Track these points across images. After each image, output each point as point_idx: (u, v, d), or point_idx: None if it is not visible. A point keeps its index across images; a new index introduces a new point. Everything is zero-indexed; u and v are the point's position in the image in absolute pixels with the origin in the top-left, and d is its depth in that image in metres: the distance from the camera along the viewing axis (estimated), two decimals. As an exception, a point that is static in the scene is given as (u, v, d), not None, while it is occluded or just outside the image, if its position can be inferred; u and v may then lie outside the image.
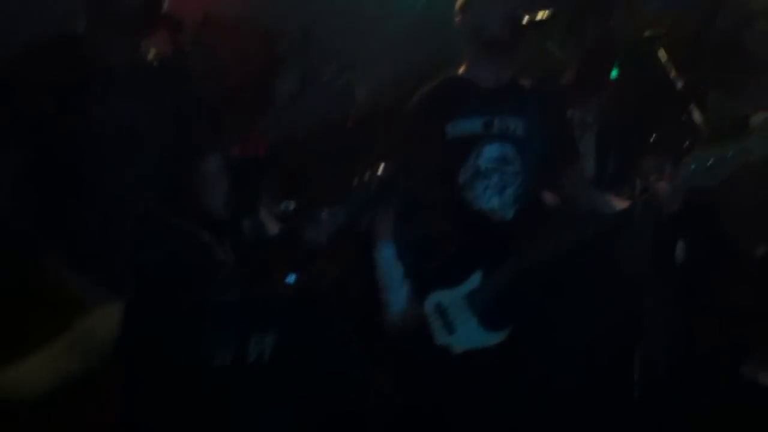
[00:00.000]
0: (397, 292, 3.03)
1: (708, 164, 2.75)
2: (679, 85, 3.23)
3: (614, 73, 3.77)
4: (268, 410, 3.12)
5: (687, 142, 3.12)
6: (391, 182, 2.56)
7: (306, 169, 3.91)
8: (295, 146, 3.94)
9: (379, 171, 2.58)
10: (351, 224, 2.63)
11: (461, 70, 3.13)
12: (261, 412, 3.03)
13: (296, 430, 3.21)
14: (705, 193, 2.87)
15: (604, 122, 3.79)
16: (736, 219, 3.52)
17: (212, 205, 2.66)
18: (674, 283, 3.52)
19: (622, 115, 3.79)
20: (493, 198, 3.00)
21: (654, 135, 3.28)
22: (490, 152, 3.01)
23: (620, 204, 2.93)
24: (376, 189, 2.56)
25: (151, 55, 2.57)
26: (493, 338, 2.95)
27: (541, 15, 2.96)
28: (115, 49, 2.47)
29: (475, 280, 2.95)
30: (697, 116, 3.16)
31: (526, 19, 2.96)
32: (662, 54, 3.30)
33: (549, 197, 3.17)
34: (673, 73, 3.25)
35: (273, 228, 2.80)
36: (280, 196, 3.58)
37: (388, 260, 3.06)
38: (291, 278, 3.05)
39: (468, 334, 2.94)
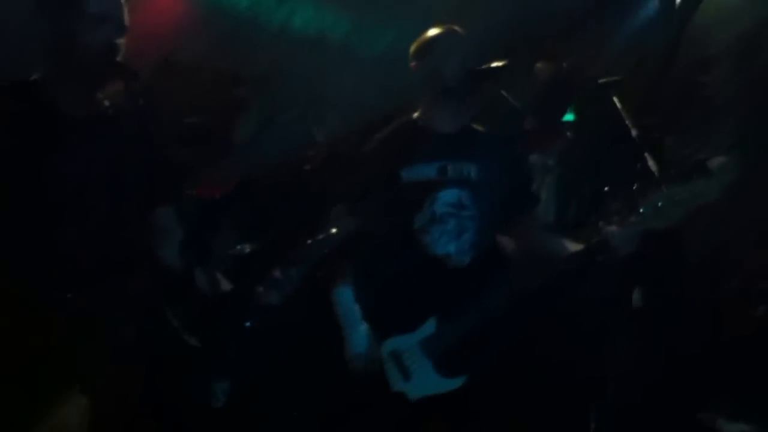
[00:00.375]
0: (356, 332, 3.00)
1: (659, 207, 2.78)
2: (635, 131, 3.25)
3: (570, 117, 3.80)
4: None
5: (641, 187, 3.14)
6: (346, 240, 2.53)
7: (264, 210, 3.90)
8: (254, 188, 3.93)
9: (334, 229, 2.56)
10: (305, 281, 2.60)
11: (417, 114, 3.14)
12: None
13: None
14: (660, 237, 2.89)
15: (565, 166, 3.82)
16: (693, 262, 3.56)
17: (165, 256, 2.65)
18: (633, 326, 3.54)
19: (581, 159, 3.81)
20: (449, 243, 2.98)
21: (610, 181, 3.29)
22: (445, 197, 3.00)
23: (576, 248, 2.93)
24: (331, 247, 2.54)
25: (107, 103, 2.57)
26: (449, 385, 2.92)
27: (496, 64, 2.97)
28: (71, 97, 2.48)
29: (430, 326, 2.93)
30: (652, 162, 3.17)
31: (480, 67, 2.97)
32: (618, 100, 3.33)
33: (505, 242, 3.17)
34: (629, 119, 3.28)
35: (226, 284, 2.77)
36: (237, 238, 3.57)
37: (346, 301, 3.04)
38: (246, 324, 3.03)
39: (424, 381, 2.91)
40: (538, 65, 3.85)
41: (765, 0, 4.60)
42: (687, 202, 2.76)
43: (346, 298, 3.05)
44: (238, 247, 3.38)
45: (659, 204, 2.77)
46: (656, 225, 2.79)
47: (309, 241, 2.59)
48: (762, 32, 4.47)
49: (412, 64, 3.11)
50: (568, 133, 3.85)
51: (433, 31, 3.10)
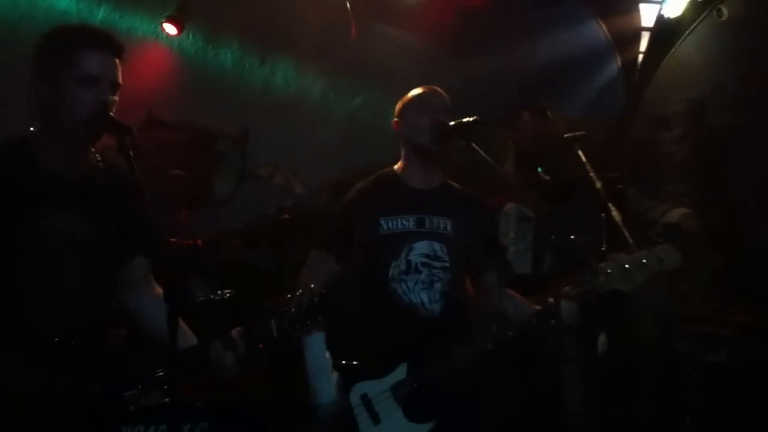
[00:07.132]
0: (325, 381, 3.05)
1: (626, 269, 2.86)
2: (599, 183, 3.38)
3: (540, 169, 3.91)
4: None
5: (605, 245, 3.23)
6: (320, 302, 2.59)
7: (243, 257, 4.00)
8: (233, 237, 4.04)
9: (309, 289, 2.61)
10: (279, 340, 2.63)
11: (397, 167, 3.29)
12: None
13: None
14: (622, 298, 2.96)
15: (540, 218, 3.90)
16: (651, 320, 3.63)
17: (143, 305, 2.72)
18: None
19: (553, 212, 3.90)
20: (421, 293, 3.11)
21: (572, 235, 3.38)
22: (420, 248, 3.14)
23: (534, 308, 3.00)
24: (305, 308, 2.59)
25: (98, 158, 2.64)
26: (418, 430, 3.00)
27: (466, 120, 3.11)
28: (62, 156, 2.54)
29: (400, 372, 3.02)
30: (615, 214, 3.27)
31: (451, 124, 3.11)
32: (581, 153, 3.46)
33: (472, 295, 3.27)
34: (592, 173, 3.40)
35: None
36: (217, 285, 3.65)
37: (317, 348, 3.09)
38: None
39: (393, 426, 2.99)
40: (525, 114, 3.97)
41: (717, 65, 4.82)
42: (652, 266, 2.85)
43: (317, 345, 3.10)
44: (219, 292, 3.46)
45: (626, 266, 2.86)
46: (621, 287, 2.88)
47: (283, 302, 2.61)
48: (713, 95, 4.67)
49: (394, 121, 3.28)
50: (543, 185, 3.94)
51: (412, 91, 3.27)
